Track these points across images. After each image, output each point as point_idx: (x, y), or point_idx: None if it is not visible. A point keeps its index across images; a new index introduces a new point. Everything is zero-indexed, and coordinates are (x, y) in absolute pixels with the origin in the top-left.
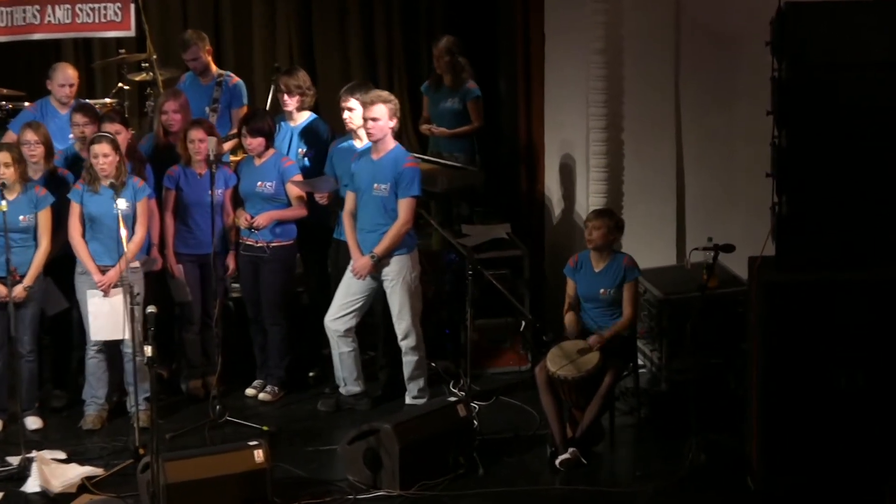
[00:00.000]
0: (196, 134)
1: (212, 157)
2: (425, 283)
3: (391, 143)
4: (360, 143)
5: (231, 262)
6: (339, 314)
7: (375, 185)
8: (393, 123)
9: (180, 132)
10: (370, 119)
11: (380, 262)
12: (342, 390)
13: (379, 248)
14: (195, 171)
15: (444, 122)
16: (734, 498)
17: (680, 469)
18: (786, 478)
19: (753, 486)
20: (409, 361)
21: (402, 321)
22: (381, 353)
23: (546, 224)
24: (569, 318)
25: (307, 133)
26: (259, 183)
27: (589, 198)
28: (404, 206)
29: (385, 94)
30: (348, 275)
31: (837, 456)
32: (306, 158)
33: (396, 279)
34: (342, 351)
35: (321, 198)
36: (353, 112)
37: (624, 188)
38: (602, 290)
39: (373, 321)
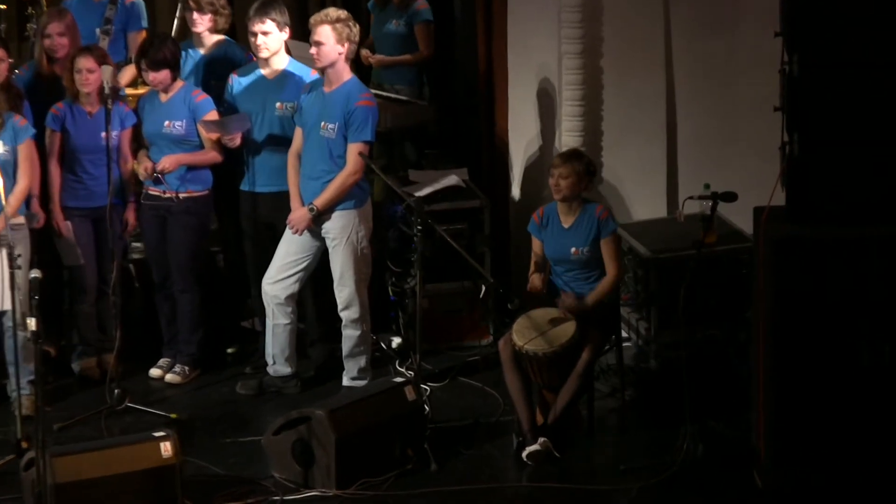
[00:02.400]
0: (85, 62)
1: (107, 91)
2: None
3: (345, 75)
4: (271, 72)
5: (130, 217)
6: (279, 277)
7: (323, 123)
8: (343, 49)
9: (66, 60)
10: (314, 43)
11: (321, 217)
12: (269, 370)
13: (319, 200)
14: (84, 108)
15: (385, 47)
16: (737, 496)
17: (672, 463)
18: (798, 472)
19: (760, 483)
20: (349, 336)
21: (343, 287)
22: (313, 325)
23: (510, 169)
24: (533, 279)
25: (217, 61)
26: (166, 122)
27: (561, 137)
28: (353, 153)
29: (334, 13)
30: (288, 232)
31: (859, 446)
32: (215, 90)
33: (340, 237)
34: (278, 322)
35: (230, 139)
36: (269, 37)
37: (603, 126)
38: (573, 250)
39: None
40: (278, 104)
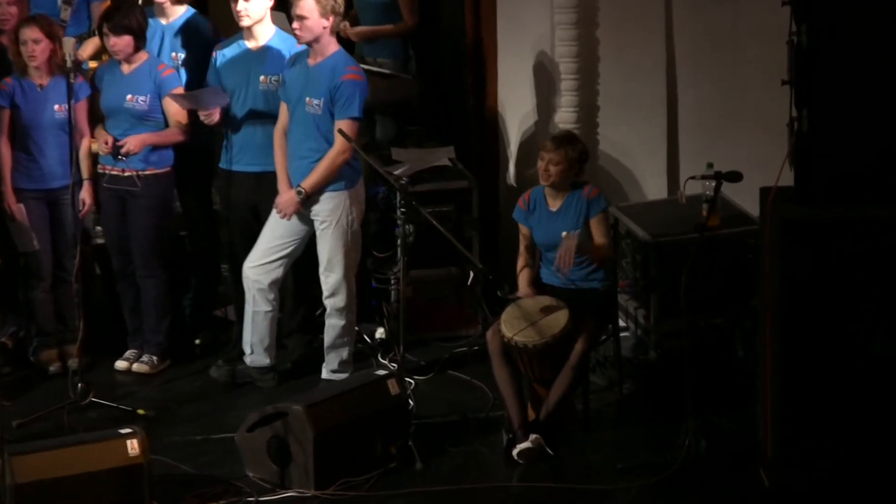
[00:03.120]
0: (29, 33)
1: (69, 65)
2: None
3: (331, 47)
4: (255, 43)
5: (87, 197)
6: (262, 261)
7: (308, 98)
8: (328, 22)
9: (13, 32)
10: (296, 17)
11: (310, 199)
12: (247, 359)
13: (307, 182)
14: (34, 81)
15: (368, 17)
16: (742, 496)
17: (673, 461)
18: (808, 470)
19: (767, 482)
20: (333, 326)
21: (330, 274)
22: (291, 313)
23: (500, 148)
24: (522, 277)
25: (183, 32)
26: (129, 96)
27: (556, 114)
28: (341, 131)
29: None
30: (274, 213)
31: (874, 441)
32: (182, 66)
33: (329, 220)
34: (258, 310)
35: (207, 115)
36: (251, 3)
37: (600, 101)
38: (564, 234)
39: None
40: (262, 77)
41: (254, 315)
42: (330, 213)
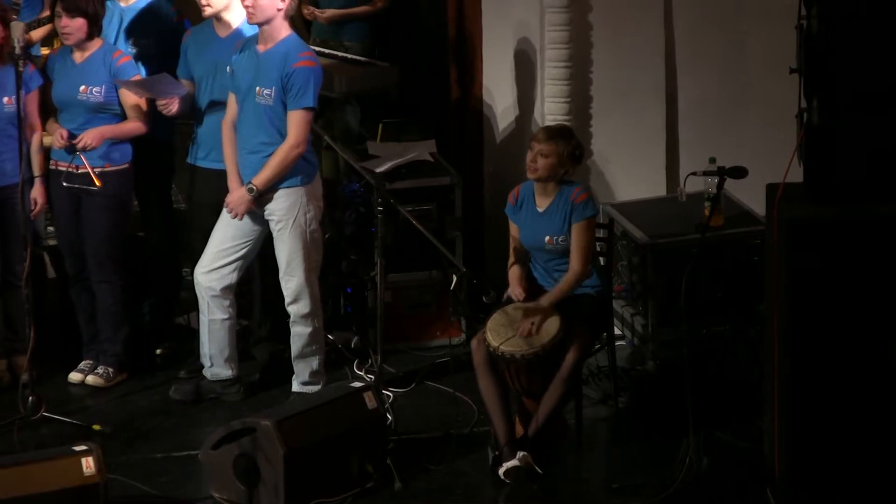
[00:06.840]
0: None
1: (18, 51)
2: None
3: (283, 32)
4: (225, 30)
5: (38, 196)
6: (214, 265)
7: (258, 88)
8: (283, 4)
9: None
10: None
11: (262, 197)
12: (206, 373)
13: (259, 179)
14: None
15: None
16: None
17: (672, 480)
18: (819, 491)
19: (775, 503)
20: (298, 334)
21: (291, 278)
22: (259, 321)
23: (486, 141)
24: (512, 273)
25: (143, 16)
26: (82, 87)
27: (544, 104)
28: (294, 122)
29: None
30: (225, 213)
31: (892, 460)
32: (141, 54)
33: (286, 220)
34: (214, 318)
35: (165, 105)
36: None
37: (593, 90)
38: (547, 238)
39: (247, 276)
40: (230, 68)
41: (209, 324)
42: (286, 212)
